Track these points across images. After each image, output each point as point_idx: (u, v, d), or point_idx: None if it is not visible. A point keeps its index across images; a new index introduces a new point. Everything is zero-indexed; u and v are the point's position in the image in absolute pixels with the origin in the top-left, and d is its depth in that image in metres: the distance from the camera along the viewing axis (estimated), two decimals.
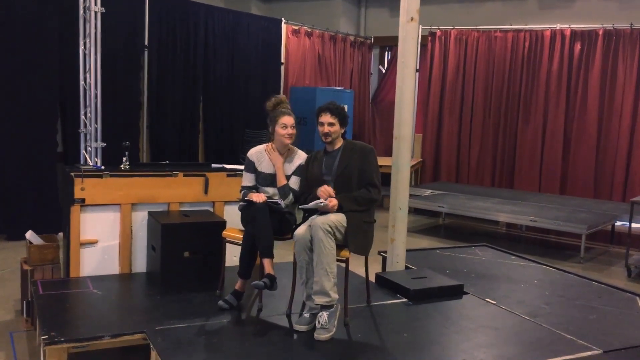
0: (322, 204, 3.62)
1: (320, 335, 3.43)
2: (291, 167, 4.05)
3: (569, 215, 7.17)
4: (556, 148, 8.76)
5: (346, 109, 3.99)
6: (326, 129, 3.82)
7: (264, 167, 4.09)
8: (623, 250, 6.79)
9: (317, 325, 3.49)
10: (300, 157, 4.09)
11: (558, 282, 4.81)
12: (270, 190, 4.04)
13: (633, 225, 6.53)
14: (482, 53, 9.33)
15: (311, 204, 3.66)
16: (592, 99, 8.47)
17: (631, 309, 4.20)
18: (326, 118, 3.82)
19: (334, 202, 3.66)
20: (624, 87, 8.26)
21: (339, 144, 3.91)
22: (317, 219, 3.58)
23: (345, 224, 3.66)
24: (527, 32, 8.96)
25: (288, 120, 4.00)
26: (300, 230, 3.65)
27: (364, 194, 3.76)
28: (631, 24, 8.17)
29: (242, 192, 4.09)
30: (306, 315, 3.62)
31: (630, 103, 8.20)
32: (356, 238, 3.69)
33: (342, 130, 3.90)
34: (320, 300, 3.52)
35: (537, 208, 7.59)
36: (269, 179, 4.06)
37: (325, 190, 3.71)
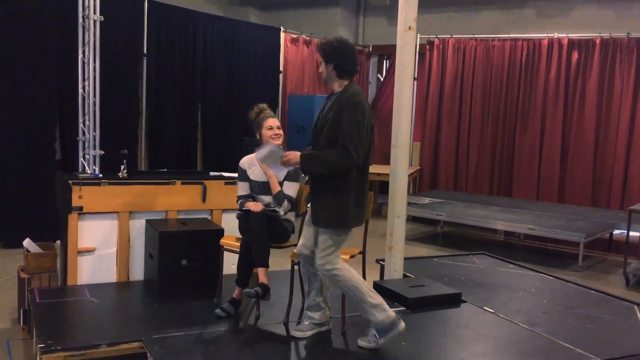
0: (280, 154, 3.25)
1: (362, 342, 3.44)
2: (283, 173, 4.01)
3: (566, 224, 7.18)
4: (554, 156, 8.77)
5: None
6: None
7: (255, 175, 4.08)
8: (621, 259, 6.78)
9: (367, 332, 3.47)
10: None
11: (556, 291, 4.80)
12: (266, 198, 4.04)
13: (631, 233, 6.53)
14: (480, 62, 9.35)
15: (264, 150, 3.31)
16: (590, 107, 8.49)
17: (629, 318, 4.19)
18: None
19: (293, 155, 3.25)
20: (621, 96, 8.28)
21: (340, 86, 3.35)
22: (318, 264, 3.38)
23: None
24: (524, 41, 8.99)
25: (273, 122, 4.04)
26: (298, 246, 3.60)
27: (331, 155, 3.19)
28: (628, 33, 8.21)
29: (239, 201, 4.09)
30: (306, 322, 3.61)
31: (627, 111, 8.22)
32: (325, 212, 3.28)
33: (333, 69, 3.29)
34: (383, 321, 3.37)
35: (535, 216, 7.59)
36: (262, 187, 4.06)
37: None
